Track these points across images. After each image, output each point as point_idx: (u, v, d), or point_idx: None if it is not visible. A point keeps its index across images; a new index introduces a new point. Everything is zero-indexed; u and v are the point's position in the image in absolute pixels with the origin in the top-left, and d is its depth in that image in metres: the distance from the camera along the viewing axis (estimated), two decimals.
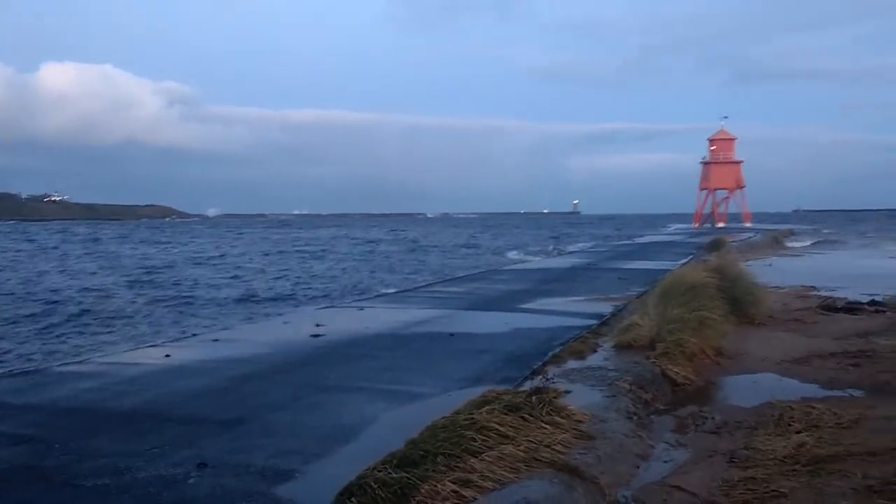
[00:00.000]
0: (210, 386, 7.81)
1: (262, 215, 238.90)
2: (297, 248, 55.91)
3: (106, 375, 8.36)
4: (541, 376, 7.73)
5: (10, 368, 10.42)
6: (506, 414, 5.93)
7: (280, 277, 32.04)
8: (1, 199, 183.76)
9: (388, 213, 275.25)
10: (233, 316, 20.17)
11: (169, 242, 67.24)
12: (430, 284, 21.11)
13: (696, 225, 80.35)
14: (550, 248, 50.12)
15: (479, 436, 5.44)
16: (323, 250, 53.22)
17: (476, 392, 6.87)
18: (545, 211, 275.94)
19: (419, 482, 4.69)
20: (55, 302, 23.05)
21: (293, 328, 11.83)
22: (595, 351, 9.65)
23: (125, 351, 11.04)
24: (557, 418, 6.17)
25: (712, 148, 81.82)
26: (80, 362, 9.64)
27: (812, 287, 18.23)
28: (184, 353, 9.72)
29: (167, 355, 9.52)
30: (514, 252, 47.11)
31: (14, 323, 18.94)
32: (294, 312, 17.83)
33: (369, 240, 70.89)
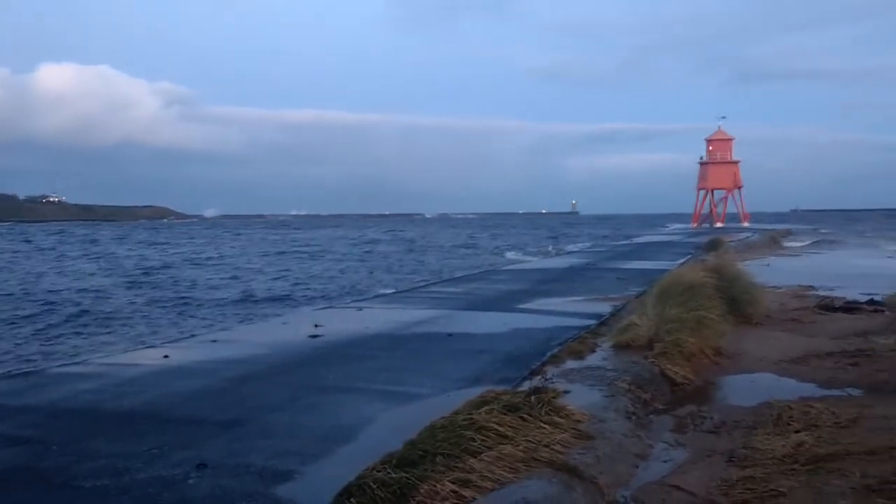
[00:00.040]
0: (209, 387, 7.81)
1: (261, 216, 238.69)
2: (295, 249, 55.89)
3: (104, 376, 8.36)
4: (539, 376, 7.73)
5: (8, 370, 10.40)
6: (504, 414, 5.93)
7: (278, 278, 32.03)
8: None
9: (386, 213, 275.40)
10: (231, 317, 20.17)
11: (167, 243, 67.18)
12: (428, 285, 21.12)
13: (695, 225, 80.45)
14: (549, 248, 50.14)
15: (478, 436, 5.44)
16: (321, 251, 53.20)
17: (475, 392, 6.87)
18: (543, 211, 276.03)
19: (418, 482, 4.69)
20: (53, 303, 23.02)
21: (292, 329, 11.83)
22: (594, 351, 9.66)
23: (124, 352, 11.03)
24: (556, 418, 6.17)
25: (710, 148, 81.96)
26: (78, 363, 9.64)
27: (810, 287, 18.25)
28: (182, 354, 9.72)
29: (166, 356, 9.52)
30: (513, 252, 47.12)
31: (12, 324, 18.92)
32: (292, 313, 17.84)
33: (367, 240, 70.88)
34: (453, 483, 4.77)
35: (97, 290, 26.68)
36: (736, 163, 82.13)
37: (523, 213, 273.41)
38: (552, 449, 5.61)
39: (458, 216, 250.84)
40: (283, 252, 52.17)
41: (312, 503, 4.74)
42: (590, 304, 14.35)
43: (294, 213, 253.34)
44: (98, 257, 46.57)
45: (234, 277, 32.41)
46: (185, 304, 23.15)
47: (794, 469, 5.59)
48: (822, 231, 65.88)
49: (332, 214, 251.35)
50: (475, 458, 5.15)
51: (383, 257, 45.66)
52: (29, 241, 69.89)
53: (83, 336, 17.25)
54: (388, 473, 4.76)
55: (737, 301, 12.87)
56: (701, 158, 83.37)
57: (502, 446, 5.40)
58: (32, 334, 17.45)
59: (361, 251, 52.76)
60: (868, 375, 8.86)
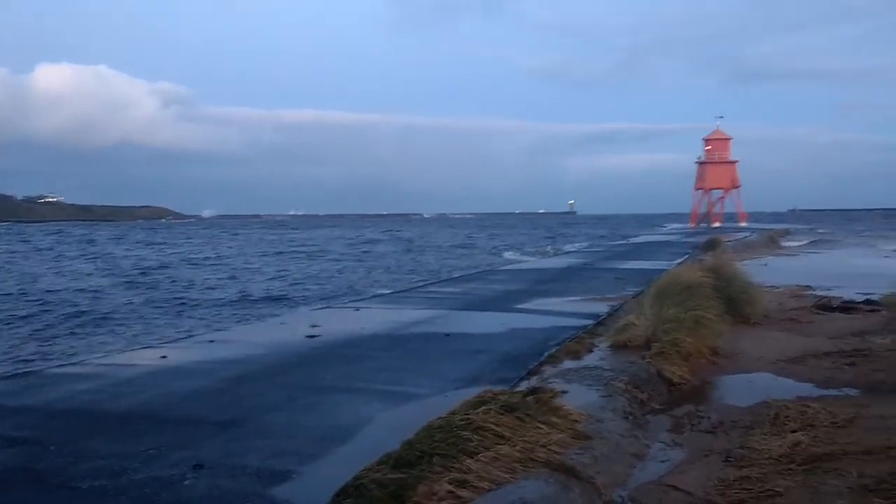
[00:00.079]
0: (206, 387, 7.80)
1: (258, 216, 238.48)
2: (292, 249, 55.86)
3: (102, 377, 8.35)
4: (537, 376, 7.75)
5: (5, 370, 10.41)
6: (502, 414, 5.93)
7: (276, 278, 32.01)
8: None
9: (384, 213, 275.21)
10: (229, 317, 20.15)
11: (164, 243, 67.12)
12: (426, 285, 21.12)
13: (692, 225, 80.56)
14: (547, 248, 50.17)
15: (476, 436, 5.44)
16: (319, 251, 53.18)
17: (472, 392, 6.86)
18: (541, 211, 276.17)
19: (415, 482, 4.69)
20: (51, 303, 23.00)
21: (289, 329, 11.83)
22: (591, 351, 9.66)
23: (121, 352, 11.03)
24: (553, 418, 6.17)
25: (708, 148, 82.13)
26: (75, 364, 9.63)
27: (807, 286, 18.26)
28: (180, 354, 9.71)
29: (163, 356, 9.51)
30: (510, 252, 47.13)
31: (9, 324, 18.89)
32: (290, 313, 17.84)
33: (365, 240, 70.86)
34: (450, 483, 4.77)
35: (94, 291, 26.65)
36: (734, 163, 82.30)
37: (521, 213, 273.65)
38: (549, 449, 5.61)
39: (456, 216, 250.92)
40: (281, 252, 52.14)
41: (310, 503, 4.75)
42: (587, 304, 14.36)
43: (292, 213, 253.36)
44: (95, 257, 46.53)
45: (232, 277, 32.40)
46: (183, 304, 23.13)
47: (790, 469, 5.59)
48: (820, 231, 65.97)
49: (329, 214, 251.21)
50: (472, 458, 5.15)
51: (381, 257, 45.66)
52: (26, 242, 69.80)
53: (80, 336, 17.23)
54: (386, 474, 4.76)
55: (734, 301, 12.88)
56: (699, 158, 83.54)
57: (499, 446, 5.40)
58: (30, 334, 17.43)
59: (359, 251, 52.74)
60: (865, 375, 8.87)
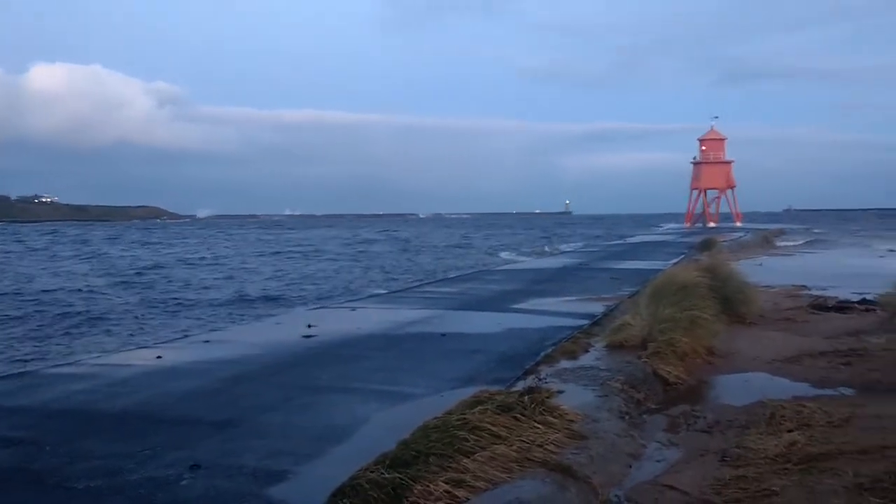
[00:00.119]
0: (202, 387, 7.79)
1: (254, 216, 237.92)
2: (288, 249, 55.78)
3: (97, 377, 8.34)
4: (533, 376, 7.75)
5: (1, 370, 10.38)
6: (498, 414, 5.93)
7: (272, 278, 31.96)
8: None
9: (380, 213, 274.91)
10: (224, 317, 20.11)
11: (160, 243, 66.98)
12: (422, 285, 21.13)
13: (688, 225, 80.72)
14: (543, 248, 50.20)
15: (472, 436, 5.44)
16: (315, 251, 53.13)
17: (468, 392, 6.87)
18: (537, 211, 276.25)
19: (412, 482, 4.69)
20: (46, 303, 22.92)
21: (285, 329, 11.82)
22: (587, 351, 9.67)
23: (116, 352, 11.02)
24: (550, 418, 6.18)
25: (703, 148, 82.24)
26: (71, 364, 9.61)
27: (803, 286, 18.31)
28: (175, 355, 9.70)
29: (159, 356, 9.50)
30: (507, 252, 47.15)
31: (4, 324, 18.83)
32: (286, 313, 17.79)
33: (361, 240, 70.81)
34: (447, 483, 4.77)
35: (90, 291, 26.58)
36: (729, 163, 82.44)
37: (517, 213, 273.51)
38: (546, 449, 5.62)
39: (452, 216, 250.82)
40: (277, 252, 52.06)
41: (306, 503, 4.74)
42: (583, 304, 14.38)
43: (288, 213, 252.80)
44: (91, 257, 46.42)
45: (228, 278, 32.33)
46: (178, 304, 23.07)
47: (786, 468, 5.60)
48: (815, 231, 66.07)
49: (326, 214, 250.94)
50: (469, 458, 5.16)
51: (377, 257, 45.61)
52: (21, 242, 69.61)
53: (76, 337, 17.18)
54: (382, 474, 4.76)
55: (730, 301, 12.90)
56: (694, 158, 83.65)
57: (496, 446, 5.40)
58: (25, 335, 17.36)
59: (355, 251, 52.70)
60: (860, 375, 8.89)
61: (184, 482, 5.11)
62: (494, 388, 7.06)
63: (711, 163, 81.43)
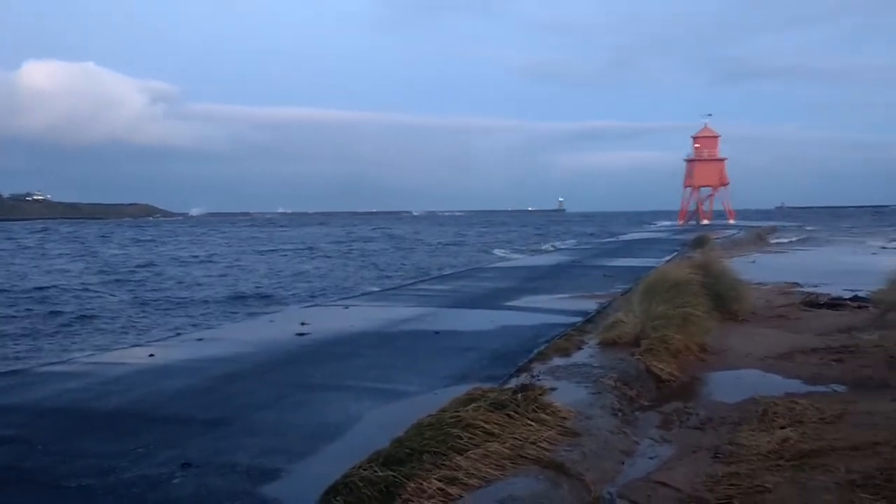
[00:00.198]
0: (194, 385, 7.77)
1: (247, 214, 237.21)
2: (281, 247, 55.71)
3: (90, 375, 8.31)
4: (526, 374, 7.75)
5: None
6: (491, 411, 5.93)
7: (265, 276, 31.92)
8: None
9: (373, 211, 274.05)
10: (217, 315, 20.08)
11: (153, 241, 66.80)
12: (415, 282, 21.14)
13: (681, 222, 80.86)
14: (536, 245, 50.24)
15: (465, 433, 5.45)
16: (308, 248, 53.06)
17: (462, 390, 6.87)
18: (530, 209, 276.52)
19: (405, 480, 4.69)
20: (37, 301, 22.85)
21: (278, 327, 11.80)
22: (580, 348, 9.69)
23: (109, 350, 10.99)
24: (543, 415, 6.19)
25: (696, 146, 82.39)
26: (63, 362, 9.58)
27: (795, 283, 18.34)
28: (168, 353, 9.67)
29: (151, 355, 9.47)
30: (500, 249, 47.18)
31: None
32: (279, 311, 17.75)
33: (355, 238, 70.76)
34: (440, 481, 4.77)
35: (82, 289, 26.50)
36: (722, 160, 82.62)
37: (510, 211, 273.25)
38: (539, 446, 5.63)
39: (446, 214, 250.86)
40: (270, 250, 51.99)
41: (299, 502, 4.74)
42: (576, 301, 14.39)
43: (281, 210, 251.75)
44: (83, 255, 46.27)
45: (220, 275, 32.27)
46: (171, 302, 23.02)
47: (778, 465, 5.62)
48: (808, 228, 66.25)
49: (319, 212, 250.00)
50: (462, 455, 5.16)
51: (371, 255, 45.59)
52: (12, 239, 69.33)
53: (68, 335, 17.12)
54: (375, 471, 4.76)
55: (723, 298, 12.93)
56: (687, 156, 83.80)
57: (489, 444, 5.40)
58: (16, 333, 17.30)
59: (348, 249, 52.66)
60: (852, 371, 8.92)
61: (176, 480, 5.10)
62: (488, 386, 7.06)
63: (705, 160, 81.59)
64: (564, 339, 10.20)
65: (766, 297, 15.79)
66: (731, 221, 77.12)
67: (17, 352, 14.81)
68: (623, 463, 6.08)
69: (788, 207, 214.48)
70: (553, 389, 7.12)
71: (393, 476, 4.70)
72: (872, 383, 8.37)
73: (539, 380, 7.26)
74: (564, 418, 6.33)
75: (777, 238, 47.49)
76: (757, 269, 22.16)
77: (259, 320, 13.91)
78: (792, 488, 5.16)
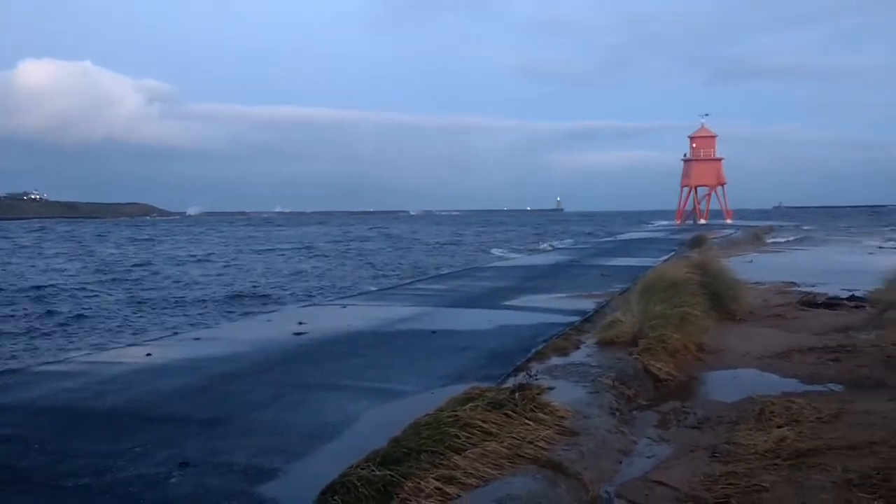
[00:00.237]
0: (192, 385, 7.76)
1: (244, 213, 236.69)
2: (279, 246, 55.68)
3: (86, 374, 8.29)
4: (524, 373, 7.74)
5: None
6: (489, 411, 5.93)
7: (262, 275, 31.90)
8: None
9: (371, 210, 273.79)
10: (214, 314, 20.07)
11: (150, 240, 66.74)
12: (413, 282, 21.14)
13: (679, 222, 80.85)
14: (534, 244, 50.25)
15: (463, 433, 5.44)
16: (305, 248, 53.03)
17: (459, 389, 6.87)
18: (528, 208, 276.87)
19: (402, 479, 4.68)
20: (34, 300, 22.82)
21: (275, 326, 11.78)
22: (578, 347, 9.68)
23: (105, 350, 10.98)
24: (540, 415, 6.19)
25: (693, 145, 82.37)
26: (59, 361, 9.56)
27: (792, 283, 18.37)
28: (165, 352, 9.65)
29: (148, 354, 9.45)
30: (498, 249, 47.19)
31: None
32: (276, 310, 17.75)
33: (352, 237, 70.74)
34: (438, 480, 4.77)
35: (78, 288, 26.47)
36: (719, 160, 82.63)
37: (508, 210, 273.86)
38: (536, 445, 5.62)
39: (443, 213, 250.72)
40: (267, 249, 51.96)
41: (296, 501, 4.73)
42: (574, 300, 14.39)
43: (278, 210, 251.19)
44: (79, 254, 46.21)
45: (218, 275, 32.25)
46: (168, 301, 23.00)
47: (776, 464, 5.62)
48: (805, 227, 66.34)
49: (316, 211, 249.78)
50: (459, 455, 5.15)
51: (368, 254, 45.58)
52: (8, 238, 69.20)
53: (64, 334, 17.10)
54: (373, 471, 4.75)
55: (720, 297, 12.94)
56: (685, 155, 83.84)
57: (486, 443, 5.40)
58: (12, 332, 17.27)
59: (346, 248, 52.64)
60: (849, 371, 8.93)
61: (173, 480, 5.08)
62: (485, 385, 7.06)
63: (702, 160, 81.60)
64: (562, 338, 10.19)
65: (763, 296, 15.81)
66: (729, 221, 77.17)
67: (14, 351, 14.79)
68: (621, 462, 6.08)
69: (786, 207, 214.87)
70: (551, 389, 7.11)
71: (390, 475, 4.70)
72: (869, 383, 8.38)
73: (537, 379, 7.26)
74: (562, 417, 6.33)
75: (774, 238, 47.55)
76: (754, 268, 22.19)
77: (256, 320, 13.90)
78: (789, 487, 5.17)
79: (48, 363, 9.49)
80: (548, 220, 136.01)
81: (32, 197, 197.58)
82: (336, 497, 4.55)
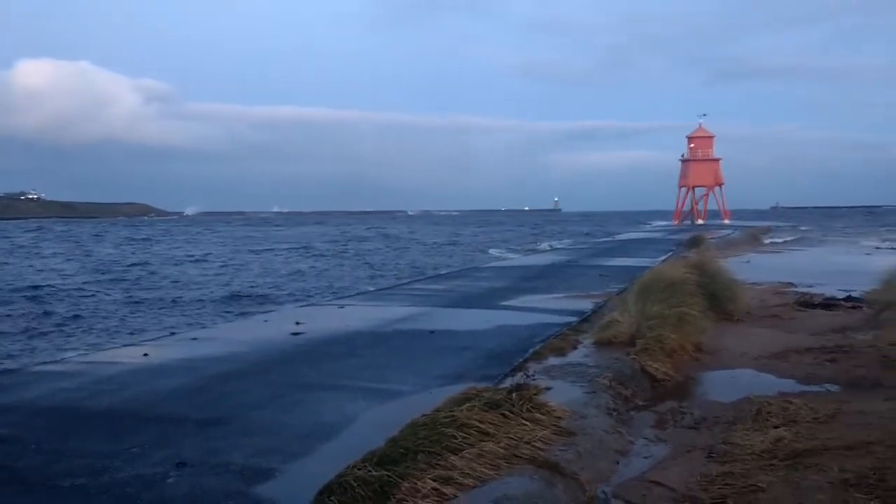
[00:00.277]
0: (189, 385, 7.75)
1: (242, 213, 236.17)
2: (276, 246, 55.63)
3: (83, 374, 8.28)
4: (521, 373, 7.73)
5: None
6: (486, 411, 5.93)
7: (260, 275, 31.87)
8: None
9: (368, 210, 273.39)
10: (212, 314, 20.05)
11: (147, 240, 66.67)
12: (411, 282, 21.14)
13: (676, 222, 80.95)
14: (532, 245, 50.25)
15: (460, 433, 5.44)
16: (303, 248, 52.99)
17: (457, 389, 6.87)
18: (526, 208, 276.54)
19: (399, 480, 4.68)
20: (31, 300, 22.79)
21: (273, 326, 11.78)
22: (575, 347, 9.69)
23: (103, 350, 10.95)
24: (538, 415, 6.19)
25: (691, 146, 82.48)
26: (57, 361, 9.55)
27: (789, 283, 18.38)
28: (162, 352, 9.64)
29: (145, 354, 9.44)
30: (496, 249, 47.19)
31: None
32: (274, 310, 17.73)
33: (350, 237, 70.69)
34: (434, 480, 4.77)
35: (76, 288, 26.43)
36: (717, 160, 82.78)
37: (506, 210, 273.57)
38: (533, 445, 5.62)
39: (441, 213, 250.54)
40: (265, 249, 51.92)
41: (294, 501, 4.73)
42: (572, 300, 14.40)
43: (276, 210, 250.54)
44: (77, 254, 46.15)
45: (215, 275, 32.22)
46: (165, 301, 22.98)
47: (772, 464, 5.63)
48: (802, 228, 66.39)
49: (314, 211, 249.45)
50: (457, 455, 5.15)
51: (366, 254, 45.55)
52: (6, 238, 69.08)
53: (61, 334, 17.08)
54: (370, 471, 4.75)
55: (717, 298, 12.96)
56: (682, 156, 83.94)
57: (484, 443, 5.40)
58: (9, 332, 17.24)
59: (344, 248, 52.61)
60: (846, 371, 8.94)
61: (170, 480, 5.08)
62: (483, 385, 7.06)
63: (700, 160, 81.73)
64: (560, 338, 10.20)
65: (760, 296, 15.82)
66: (726, 221, 77.28)
67: (11, 351, 14.77)
68: (618, 462, 6.08)
69: (783, 207, 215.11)
70: (548, 389, 7.12)
71: (387, 476, 4.70)
72: (866, 383, 8.39)
73: (534, 379, 7.25)
74: (559, 418, 6.33)
75: (771, 238, 47.59)
76: (751, 269, 22.21)
77: (254, 320, 13.88)
78: (786, 487, 5.17)
79: (45, 363, 9.48)
80: (545, 221, 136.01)
81: (30, 197, 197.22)
82: (333, 497, 4.55)
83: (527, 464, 5.31)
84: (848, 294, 15.09)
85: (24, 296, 23.86)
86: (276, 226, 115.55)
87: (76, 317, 19.56)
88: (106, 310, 20.97)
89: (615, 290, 15.62)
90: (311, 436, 6.04)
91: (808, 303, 14.56)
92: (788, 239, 46.29)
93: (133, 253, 48.15)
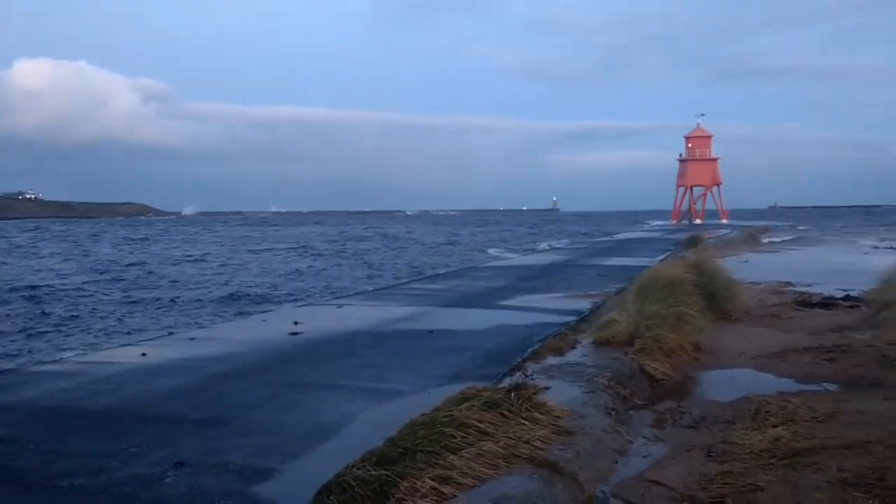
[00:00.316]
0: (187, 385, 7.75)
1: (240, 213, 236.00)
2: (275, 246, 55.61)
3: (81, 374, 8.27)
4: (520, 373, 7.73)
5: None
6: (485, 410, 5.93)
7: (258, 275, 31.85)
8: None
9: (367, 210, 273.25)
10: (210, 314, 20.03)
11: (145, 240, 66.62)
12: (409, 281, 21.14)
13: (674, 222, 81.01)
14: (531, 244, 50.26)
15: (459, 433, 5.44)
16: (301, 247, 52.97)
17: (455, 389, 6.87)
18: (524, 208, 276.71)
19: (398, 479, 4.68)
20: (29, 300, 22.76)
21: (271, 326, 11.77)
22: (574, 347, 9.69)
23: (101, 350, 10.94)
24: (536, 414, 6.19)
25: (689, 145, 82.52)
26: (55, 361, 9.54)
27: (788, 283, 18.40)
28: (160, 352, 9.64)
29: (143, 354, 9.43)
30: (494, 249, 47.21)
31: None
32: (272, 310, 17.72)
33: (348, 237, 70.68)
34: (433, 480, 4.76)
35: (73, 288, 26.40)
36: (715, 160, 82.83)
37: (504, 210, 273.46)
38: (532, 445, 5.62)
39: (440, 213, 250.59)
40: (263, 249, 51.89)
41: (292, 501, 4.73)
42: (570, 300, 14.40)
43: (274, 209, 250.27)
44: (75, 254, 46.10)
45: (213, 274, 32.20)
46: (163, 301, 22.96)
47: (771, 463, 5.64)
48: (800, 227, 66.45)
49: (312, 211, 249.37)
50: (455, 454, 5.15)
51: (365, 254, 45.55)
52: (3, 238, 68.99)
53: (59, 334, 17.06)
54: (368, 470, 4.75)
55: (716, 297, 12.96)
56: (680, 155, 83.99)
57: (482, 443, 5.40)
58: (7, 332, 17.22)
59: (342, 248, 52.59)
60: (844, 370, 8.95)
61: (168, 480, 5.08)
62: (481, 385, 7.06)
63: (697, 160, 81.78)
64: (558, 338, 10.20)
65: (758, 296, 15.83)
66: (724, 221, 77.30)
67: (9, 351, 14.75)
68: (617, 462, 6.08)
69: (781, 207, 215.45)
70: (547, 388, 7.12)
71: (386, 475, 4.69)
72: (864, 382, 8.40)
73: (533, 379, 7.25)
74: (558, 417, 6.33)
75: (769, 238, 47.63)
76: (750, 268, 22.23)
77: (252, 319, 13.87)
78: (784, 487, 5.18)
79: (43, 363, 9.48)
80: (543, 220, 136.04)
81: (27, 196, 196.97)
82: (332, 497, 4.54)
83: (526, 463, 5.31)
84: (846, 293, 15.10)
85: (22, 296, 23.83)
86: (275, 226, 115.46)
87: (74, 317, 19.55)
88: (104, 310, 20.94)
89: (613, 289, 15.63)
90: (309, 435, 6.04)
91: (806, 302, 14.58)
92: (787, 238, 46.33)
93: (131, 253, 48.12)
